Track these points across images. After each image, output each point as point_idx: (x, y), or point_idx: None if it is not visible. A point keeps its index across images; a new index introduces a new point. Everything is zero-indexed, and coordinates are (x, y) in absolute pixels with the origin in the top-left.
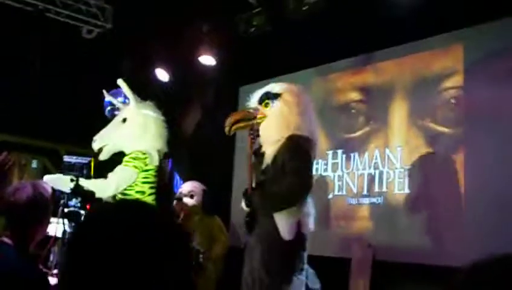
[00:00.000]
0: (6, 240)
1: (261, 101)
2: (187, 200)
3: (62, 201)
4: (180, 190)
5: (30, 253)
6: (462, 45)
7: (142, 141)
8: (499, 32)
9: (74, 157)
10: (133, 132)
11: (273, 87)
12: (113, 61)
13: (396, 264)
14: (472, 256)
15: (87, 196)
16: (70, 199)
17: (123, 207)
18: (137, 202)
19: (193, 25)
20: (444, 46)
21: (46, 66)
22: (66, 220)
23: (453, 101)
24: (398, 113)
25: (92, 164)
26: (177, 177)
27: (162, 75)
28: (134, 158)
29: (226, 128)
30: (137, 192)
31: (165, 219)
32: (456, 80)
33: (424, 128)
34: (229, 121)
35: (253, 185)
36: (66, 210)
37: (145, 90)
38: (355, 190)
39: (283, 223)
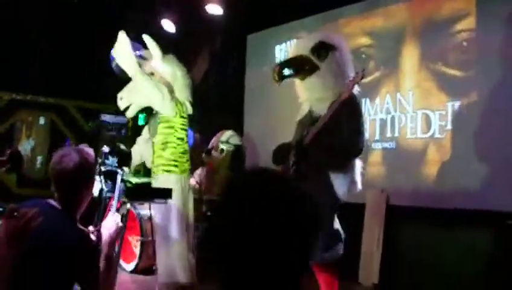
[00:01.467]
0: (54, 203)
1: (315, 51)
2: (216, 154)
3: (100, 160)
4: (212, 142)
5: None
6: None
7: (169, 102)
8: None
9: (112, 116)
10: (163, 84)
11: (327, 36)
12: (119, 15)
13: (409, 209)
14: (484, 198)
15: (124, 156)
16: (107, 158)
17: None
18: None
19: None
20: None
21: (51, 23)
22: (102, 179)
23: (465, 43)
24: (409, 57)
25: (130, 124)
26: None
27: (169, 26)
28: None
29: (276, 76)
30: (178, 138)
31: (301, 192)
32: (468, 23)
33: (436, 72)
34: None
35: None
36: (103, 169)
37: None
38: (367, 135)
39: (339, 182)
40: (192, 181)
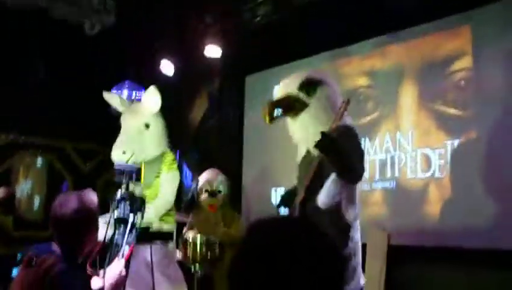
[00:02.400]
0: (55, 248)
1: (302, 88)
2: (219, 195)
3: (112, 207)
4: (208, 184)
5: (80, 260)
6: (470, 26)
7: (163, 143)
8: (506, 12)
9: (123, 164)
10: (159, 137)
11: (312, 73)
12: (116, 56)
13: (411, 248)
14: (486, 237)
15: (136, 201)
16: (120, 204)
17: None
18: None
19: (198, 15)
20: (451, 28)
21: (49, 64)
22: (115, 225)
23: (462, 82)
24: (408, 96)
25: (143, 170)
26: (185, 169)
27: (168, 67)
28: (173, 159)
29: (267, 118)
30: None
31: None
32: (465, 62)
33: (435, 111)
34: (269, 108)
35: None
36: (115, 215)
37: (151, 83)
38: (367, 175)
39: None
40: (192, 233)
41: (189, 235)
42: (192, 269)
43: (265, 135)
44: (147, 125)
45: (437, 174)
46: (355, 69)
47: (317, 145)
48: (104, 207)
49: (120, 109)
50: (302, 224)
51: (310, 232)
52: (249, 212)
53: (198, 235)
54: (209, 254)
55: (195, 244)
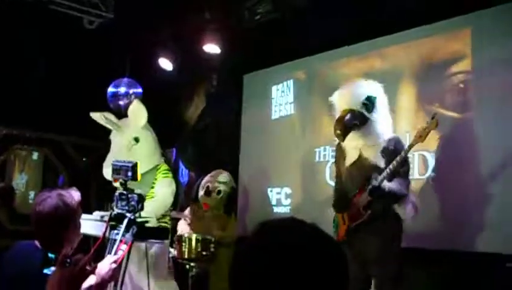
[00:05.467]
0: (37, 243)
1: (364, 104)
2: (214, 195)
3: (111, 204)
4: (208, 182)
5: (61, 255)
6: (470, 29)
7: (156, 154)
8: (506, 15)
9: (120, 161)
10: (150, 149)
11: (372, 89)
12: (115, 52)
13: (409, 249)
14: (485, 240)
15: (134, 198)
16: (118, 202)
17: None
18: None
19: (197, 13)
20: (451, 31)
21: (48, 58)
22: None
23: (461, 85)
24: (406, 98)
25: (138, 167)
26: (181, 166)
27: (166, 64)
28: (167, 170)
29: (341, 137)
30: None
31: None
32: (464, 65)
33: (433, 113)
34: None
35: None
36: (113, 213)
37: (149, 80)
38: None
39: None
40: (184, 224)
41: (185, 232)
42: (187, 266)
43: (263, 133)
44: (136, 140)
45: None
46: (353, 69)
47: (371, 196)
48: (102, 204)
49: (108, 126)
50: (308, 226)
51: (316, 233)
52: (245, 211)
53: (194, 233)
54: (204, 251)
55: (190, 241)
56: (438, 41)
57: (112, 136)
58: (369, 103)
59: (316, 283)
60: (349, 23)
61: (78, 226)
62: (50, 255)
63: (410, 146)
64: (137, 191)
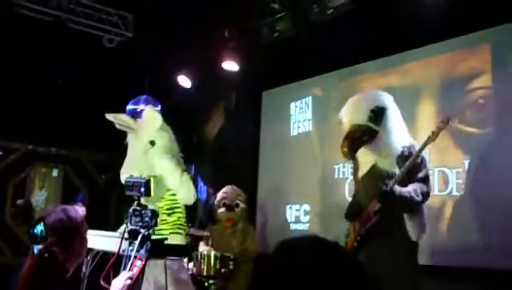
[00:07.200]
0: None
1: (372, 119)
2: (236, 210)
3: (126, 220)
4: (224, 199)
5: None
6: (490, 45)
7: (173, 154)
8: None
9: (134, 177)
10: (166, 150)
11: (378, 100)
12: (134, 70)
13: (427, 267)
14: (503, 257)
15: (147, 215)
16: (132, 218)
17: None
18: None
19: (216, 30)
20: (470, 46)
21: (68, 75)
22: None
23: (481, 101)
24: (425, 114)
25: (152, 182)
26: (200, 183)
27: (185, 81)
28: (185, 170)
29: (348, 156)
30: (183, 204)
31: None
32: (484, 80)
33: (452, 129)
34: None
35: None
36: (128, 229)
37: (168, 97)
38: None
39: (412, 224)
40: (203, 246)
41: (204, 249)
42: (206, 284)
43: (281, 150)
44: (152, 143)
45: (454, 193)
46: (372, 86)
47: (380, 201)
48: (118, 221)
49: (122, 128)
50: (329, 245)
51: (338, 253)
52: (264, 228)
53: (213, 250)
54: (222, 268)
55: (209, 258)
56: (458, 57)
57: (128, 141)
58: (376, 115)
59: None
60: (367, 39)
61: (85, 240)
62: None
63: (423, 146)
64: (150, 206)
